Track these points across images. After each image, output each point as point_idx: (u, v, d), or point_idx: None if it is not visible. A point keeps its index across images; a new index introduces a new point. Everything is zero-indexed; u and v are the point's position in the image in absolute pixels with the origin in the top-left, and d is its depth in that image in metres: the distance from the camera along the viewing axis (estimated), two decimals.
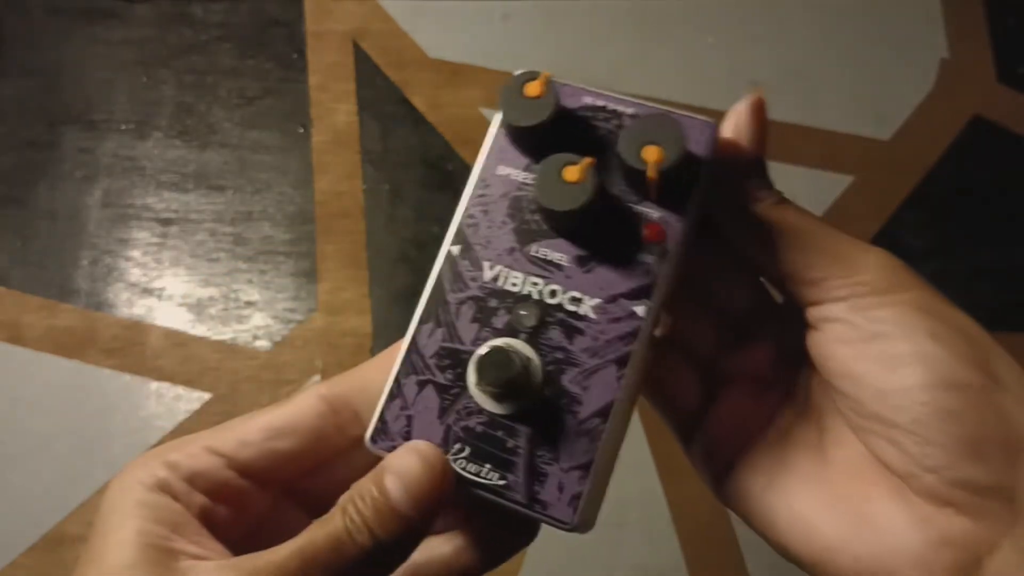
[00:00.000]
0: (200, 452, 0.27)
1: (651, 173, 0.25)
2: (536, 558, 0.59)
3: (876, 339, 0.25)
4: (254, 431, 0.27)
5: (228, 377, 0.62)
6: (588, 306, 0.26)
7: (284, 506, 0.29)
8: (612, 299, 0.26)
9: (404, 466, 0.25)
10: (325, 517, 0.24)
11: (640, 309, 0.26)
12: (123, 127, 0.68)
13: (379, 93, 0.69)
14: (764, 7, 0.73)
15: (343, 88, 0.70)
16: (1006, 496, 0.24)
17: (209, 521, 0.26)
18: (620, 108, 0.27)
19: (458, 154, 0.67)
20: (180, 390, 0.61)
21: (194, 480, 0.26)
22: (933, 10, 0.74)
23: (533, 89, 0.26)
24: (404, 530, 0.24)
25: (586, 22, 0.72)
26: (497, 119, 0.28)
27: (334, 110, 0.69)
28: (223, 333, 0.63)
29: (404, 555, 0.25)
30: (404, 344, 0.27)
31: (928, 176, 0.69)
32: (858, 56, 0.73)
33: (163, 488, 0.26)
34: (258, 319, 0.64)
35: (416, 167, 0.68)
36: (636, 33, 0.72)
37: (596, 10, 0.72)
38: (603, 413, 0.26)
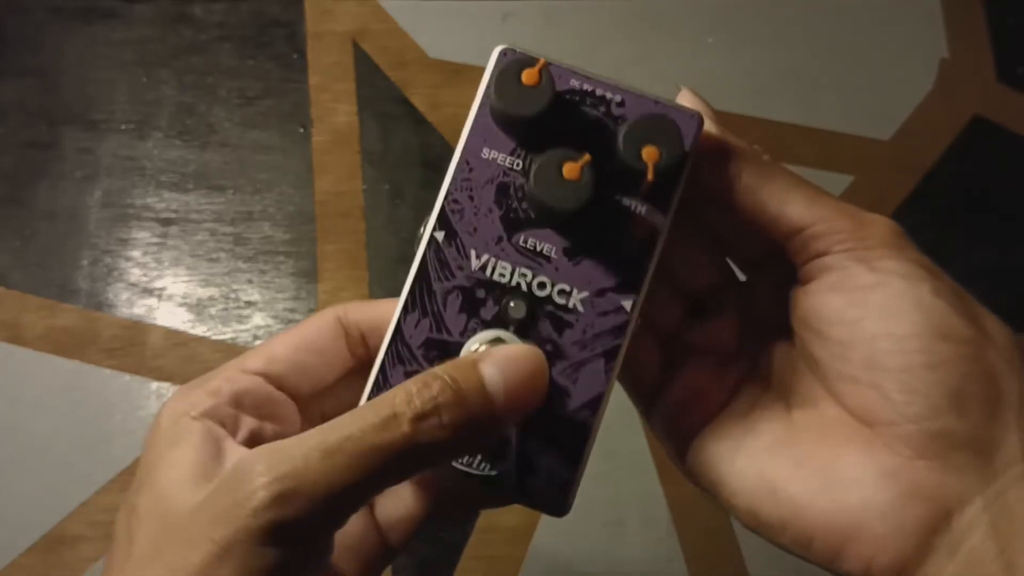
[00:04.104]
0: (236, 374, 0.28)
1: (651, 175, 0.25)
2: (535, 558, 0.59)
3: (878, 287, 0.25)
4: (280, 347, 0.28)
5: None
6: (576, 299, 0.27)
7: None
8: (600, 293, 0.27)
9: (505, 354, 0.24)
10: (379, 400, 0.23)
11: (627, 303, 0.27)
12: (123, 127, 0.68)
13: (379, 93, 0.70)
14: (764, 7, 0.73)
15: (343, 88, 0.70)
16: (982, 451, 0.24)
17: (260, 441, 0.27)
18: (607, 95, 0.27)
19: None
20: None
21: (240, 401, 0.27)
22: (933, 10, 0.74)
23: (530, 77, 0.26)
24: (486, 415, 0.23)
25: (586, 22, 0.72)
26: (478, 99, 0.27)
27: (334, 110, 0.69)
28: (223, 333, 0.63)
29: (462, 444, 0.24)
30: (388, 333, 0.27)
31: (928, 176, 0.69)
32: (858, 56, 0.73)
33: (210, 416, 0.26)
34: (258, 319, 0.64)
35: (416, 167, 0.68)
36: (636, 33, 0.72)
37: (596, 10, 0.72)
38: (592, 405, 0.26)
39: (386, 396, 0.24)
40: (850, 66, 0.72)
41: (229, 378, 0.28)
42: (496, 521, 0.58)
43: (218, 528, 0.22)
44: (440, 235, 0.27)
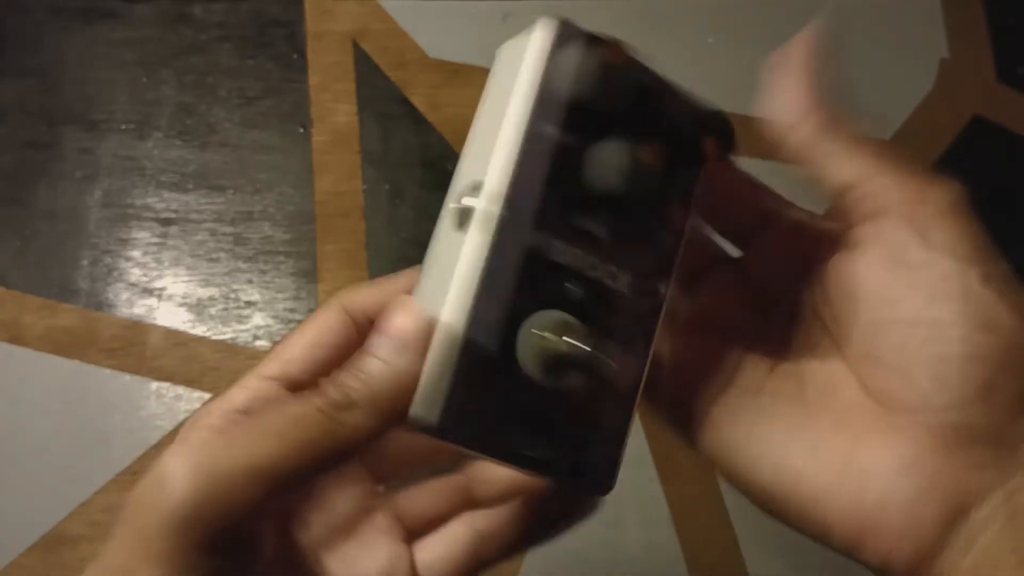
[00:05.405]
0: (253, 382, 0.28)
1: (712, 161, 0.26)
2: (536, 558, 0.59)
3: (925, 268, 0.24)
4: (292, 348, 0.29)
5: (228, 377, 0.62)
6: (623, 282, 0.27)
7: None
8: (641, 276, 0.27)
9: (383, 329, 0.25)
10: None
11: (663, 286, 0.27)
12: (123, 127, 0.68)
13: (379, 93, 0.70)
14: (764, 7, 0.73)
15: (343, 88, 0.70)
16: (1003, 447, 0.23)
17: None
18: (656, 86, 0.28)
19: (458, 154, 0.67)
20: (180, 390, 0.61)
21: (251, 409, 0.27)
22: (933, 10, 0.74)
23: (613, 65, 0.26)
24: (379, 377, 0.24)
25: (586, 22, 0.72)
26: (534, 76, 0.26)
27: (334, 110, 0.69)
28: (223, 333, 0.63)
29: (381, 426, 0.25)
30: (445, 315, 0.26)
31: None
32: (858, 56, 0.73)
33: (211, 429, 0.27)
34: (258, 319, 0.64)
35: (416, 167, 0.68)
36: (636, 33, 0.72)
37: (596, 10, 0.72)
38: (636, 384, 0.27)
39: (306, 394, 0.25)
40: (850, 66, 0.72)
41: (245, 386, 0.28)
42: None
43: (141, 518, 0.23)
44: (496, 211, 0.25)
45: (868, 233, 0.26)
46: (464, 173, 0.28)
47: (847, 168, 0.26)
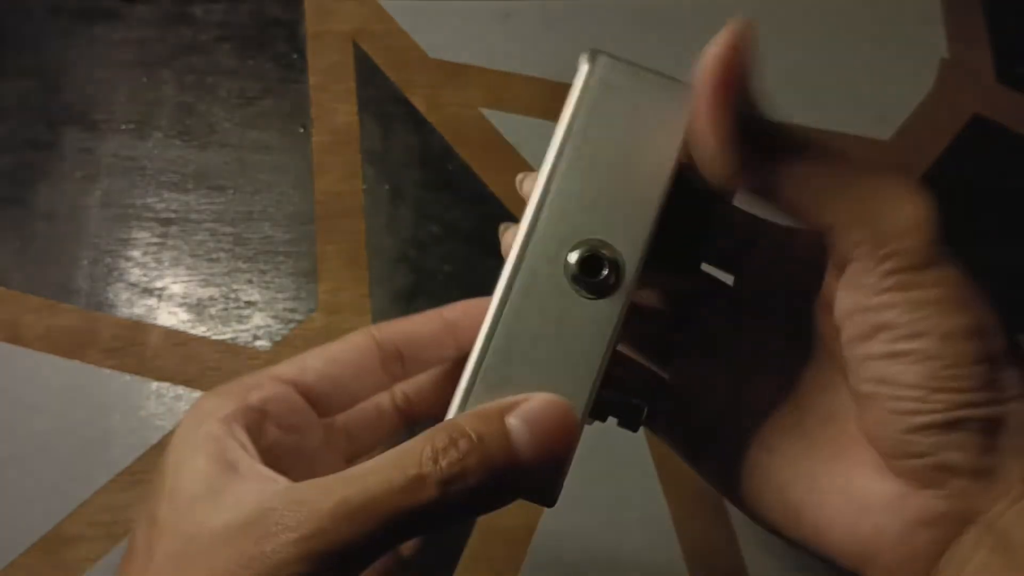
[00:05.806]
0: (266, 381, 0.28)
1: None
2: (535, 558, 0.59)
3: (885, 329, 0.25)
4: (312, 359, 0.29)
5: (228, 377, 0.62)
6: None
7: (332, 443, 0.29)
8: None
9: (532, 406, 0.23)
10: (400, 452, 0.23)
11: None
12: (123, 127, 0.68)
13: (379, 93, 0.70)
14: (764, 7, 0.73)
15: (343, 88, 0.70)
16: (985, 477, 0.24)
17: (276, 452, 0.27)
18: None
19: (458, 154, 0.67)
20: (180, 390, 0.61)
21: (265, 409, 0.27)
22: (933, 10, 0.74)
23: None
24: (512, 471, 0.23)
25: (586, 22, 0.72)
26: (678, 141, 0.26)
27: (334, 110, 0.69)
28: (223, 333, 0.63)
29: (489, 503, 0.23)
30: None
31: (928, 176, 0.69)
32: (858, 56, 0.73)
33: (234, 420, 0.26)
34: (258, 319, 0.64)
35: (416, 167, 0.68)
36: (636, 33, 0.72)
37: (596, 10, 0.72)
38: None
39: (412, 451, 0.23)
40: (850, 66, 0.72)
41: (259, 384, 0.28)
42: (496, 521, 0.58)
43: (242, 572, 0.22)
44: (628, 293, 0.25)
45: (847, 283, 0.26)
46: (560, 210, 0.26)
47: (807, 216, 0.25)
